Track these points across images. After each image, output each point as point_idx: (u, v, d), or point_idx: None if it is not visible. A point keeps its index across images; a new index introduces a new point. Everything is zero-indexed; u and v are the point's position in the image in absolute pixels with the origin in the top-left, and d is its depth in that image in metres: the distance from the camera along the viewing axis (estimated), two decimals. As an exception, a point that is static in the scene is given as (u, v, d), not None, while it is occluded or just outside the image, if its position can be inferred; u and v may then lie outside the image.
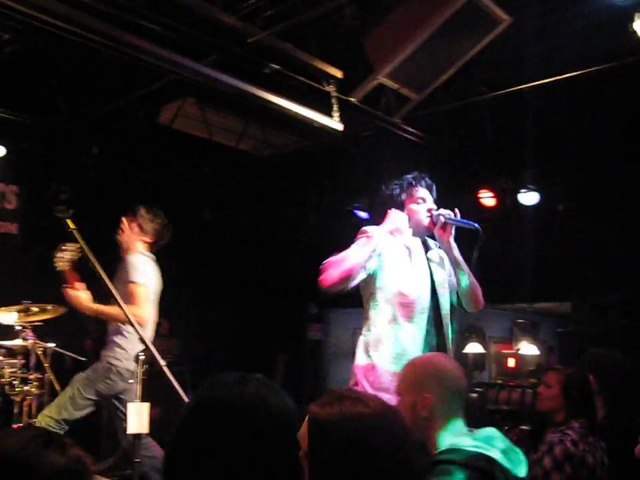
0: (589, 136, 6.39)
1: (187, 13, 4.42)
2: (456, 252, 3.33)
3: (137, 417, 2.94)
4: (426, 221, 3.37)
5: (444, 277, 3.39)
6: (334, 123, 4.91)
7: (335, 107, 4.83)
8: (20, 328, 4.90)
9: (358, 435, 1.49)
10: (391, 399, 2.88)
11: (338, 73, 4.79)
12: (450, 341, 3.30)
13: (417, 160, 5.76)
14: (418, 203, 3.41)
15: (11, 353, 4.99)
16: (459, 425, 2.29)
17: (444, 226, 3.31)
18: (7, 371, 4.78)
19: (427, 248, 3.44)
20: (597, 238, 7.42)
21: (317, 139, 5.91)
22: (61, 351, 5.38)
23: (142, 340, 3.07)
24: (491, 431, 2.22)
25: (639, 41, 4.26)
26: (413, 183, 3.46)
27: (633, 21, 4.20)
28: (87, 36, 4.20)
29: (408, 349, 3.12)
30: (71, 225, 2.69)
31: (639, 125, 6.17)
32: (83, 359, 5.58)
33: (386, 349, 3.15)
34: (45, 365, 4.92)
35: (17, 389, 4.75)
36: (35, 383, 4.84)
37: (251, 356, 7.80)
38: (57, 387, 4.90)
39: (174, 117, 5.97)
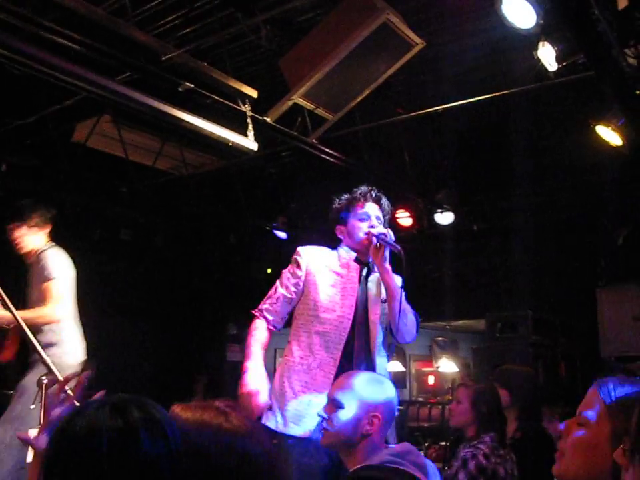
0: (500, 158, 6.62)
1: (101, 30, 4.36)
2: (387, 276, 3.00)
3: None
4: (362, 239, 3.10)
5: (378, 304, 3.12)
6: (249, 142, 4.91)
7: (250, 126, 4.83)
8: None
9: (201, 446, 1.39)
10: (298, 428, 2.89)
11: (253, 93, 4.81)
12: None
13: (335, 179, 5.82)
14: (361, 220, 3.15)
15: None
16: None
17: (378, 246, 2.99)
18: None
19: (369, 271, 3.18)
20: (510, 256, 7.66)
21: (234, 159, 5.90)
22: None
23: (45, 363, 2.95)
24: (406, 446, 2.25)
25: (542, 67, 4.44)
26: (358, 197, 3.20)
27: (536, 48, 4.37)
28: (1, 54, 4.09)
29: (317, 381, 2.99)
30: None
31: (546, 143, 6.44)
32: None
33: (296, 376, 3.03)
34: None
35: None
36: None
37: (170, 377, 7.66)
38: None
39: (89, 135, 5.85)
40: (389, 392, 2.45)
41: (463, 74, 5.67)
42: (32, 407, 3.50)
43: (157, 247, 7.95)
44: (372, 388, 2.42)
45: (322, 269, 3.14)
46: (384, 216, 3.23)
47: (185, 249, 8.21)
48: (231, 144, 4.72)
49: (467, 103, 5.40)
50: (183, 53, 4.45)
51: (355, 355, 3.03)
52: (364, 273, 3.15)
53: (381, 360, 3.09)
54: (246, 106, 4.75)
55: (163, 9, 4.78)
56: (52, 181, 6.78)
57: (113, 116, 5.78)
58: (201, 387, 7.99)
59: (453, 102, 5.43)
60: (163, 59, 4.38)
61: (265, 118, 4.87)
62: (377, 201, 3.22)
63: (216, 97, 4.60)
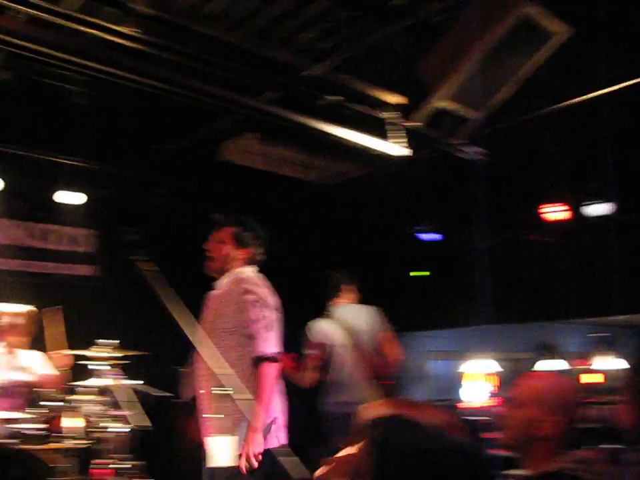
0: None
1: (243, 52, 4.57)
2: None
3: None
4: None
5: None
6: (396, 148, 4.95)
7: (395, 133, 4.87)
8: (104, 367, 5.07)
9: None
10: None
11: (398, 99, 4.83)
12: None
13: (479, 179, 5.74)
14: None
15: (98, 391, 5.16)
16: None
17: None
18: (96, 408, 4.94)
19: None
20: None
21: (379, 165, 5.94)
22: (147, 388, 5.53)
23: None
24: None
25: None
26: None
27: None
28: (150, 84, 4.40)
29: None
30: (146, 267, 2.76)
31: None
32: (169, 394, 5.72)
33: None
34: (132, 401, 5.05)
35: (102, 427, 4.90)
36: (121, 420, 4.98)
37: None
38: (144, 423, 5.03)
39: (236, 153, 6.10)
40: None
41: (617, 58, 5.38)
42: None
43: (305, 257, 8.15)
44: None
45: None
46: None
47: (333, 258, 8.36)
48: (377, 152, 4.78)
49: (622, 87, 5.13)
50: (322, 66, 4.56)
51: None
52: None
53: None
54: (389, 113, 4.78)
55: (299, 25, 4.91)
56: (204, 199, 7.16)
57: (259, 133, 6.00)
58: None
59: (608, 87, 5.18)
60: (303, 74, 4.52)
61: (411, 123, 4.88)
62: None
63: (359, 107, 4.67)
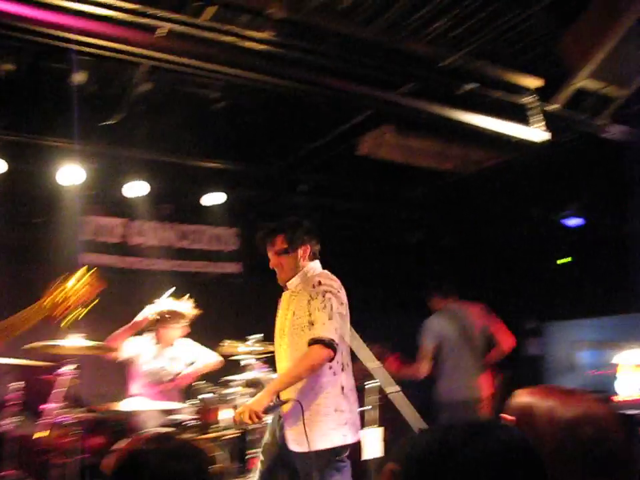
0: None
1: (377, 48, 4.58)
2: None
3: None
4: None
5: None
6: (536, 133, 4.79)
7: (534, 117, 4.71)
8: (250, 361, 5.26)
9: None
10: None
11: (537, 82, 4.67)
12: None
13: (625, 160, 5.44)
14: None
15: (246, 384, 5.37)
16: None
17: None
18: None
19: None
20: None
21: (520, 151, 5.77)
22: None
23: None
24: None
25: None
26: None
27: None
28: (288, 85, 4.52)
29: None
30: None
31: None
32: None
33: None
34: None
35: (253, 418, 5.08)
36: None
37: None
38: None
39: (374, 147, 6.12)
40: None
41: None
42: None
43: (446, 246, 8.08)
44: None
45: None
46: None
47: (474, 247, 8.23)
48: (516, 138, 4.65)
49: None
50: (457, 55, 4.49)
51: None
52: None
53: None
54: (530, 97, 4.64)
55: (431, 15, 4.84)
56: (340, 194, 7.25)
57: (395, 125, 5.98)
58: (500, 384, 7.89)
59: None
60: (439, 65, 4.46)
61: (551, 106, 4.71)
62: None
63: (497, 93, 4.56)
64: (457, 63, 4.44)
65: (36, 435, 4.63)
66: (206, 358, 5.90)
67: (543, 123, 4.87)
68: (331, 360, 3.33)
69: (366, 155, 6.16)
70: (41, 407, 4.71)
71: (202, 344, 6.10)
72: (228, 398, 5.05)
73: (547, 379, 8.51)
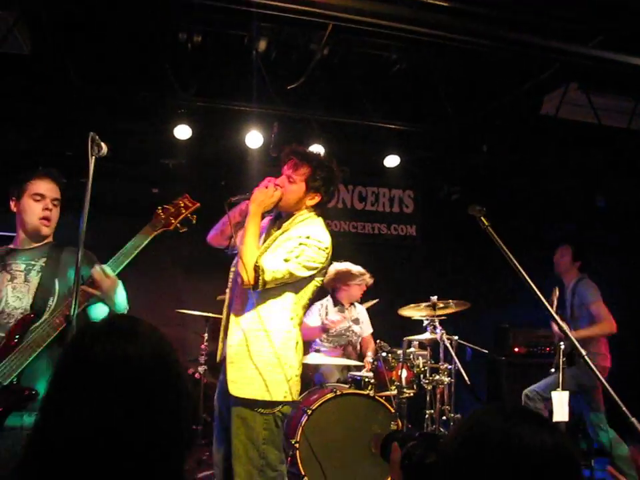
0: None
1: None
2: None
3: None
4: None
5: None
6: None
7: None
8: (428, 322, 5.28)
9: None
10: None
11: None
12: None
13: None
14: None
15: (422, 345, 5.41)
16: None
17: None
18: (420, 361, 5.18)
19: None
20: None
21: None
22: (465, 343, 5.67)
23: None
24: None
25: None
26: None
27: None
28: (470, 40, 4.39)
29: None
30: (485, 222, 2.77)
31: None
32: (485, 351, 5.80)
33: None
34: (453, 355, 5.20)
35: (428, 378, 5.13)
36: (444, 373, 5.17)
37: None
38: (465, 376, 5.15)
39: (558, 106, 5.84)
40: None
41: None
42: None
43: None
44: None
45: None
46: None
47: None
48: None
49: None
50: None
51: None
52: None
53: None
54: None
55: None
56: (524, 155, 6.99)
57: (580, 83, 5.67)
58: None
59: None
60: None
61: None
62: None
63: None
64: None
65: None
66: (367, 329, 6.08)
67: None
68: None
69: (549, 114, 5.89)
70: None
71: (379, 305, 6.23)
72: (405, 358, 5.12)
73: None
